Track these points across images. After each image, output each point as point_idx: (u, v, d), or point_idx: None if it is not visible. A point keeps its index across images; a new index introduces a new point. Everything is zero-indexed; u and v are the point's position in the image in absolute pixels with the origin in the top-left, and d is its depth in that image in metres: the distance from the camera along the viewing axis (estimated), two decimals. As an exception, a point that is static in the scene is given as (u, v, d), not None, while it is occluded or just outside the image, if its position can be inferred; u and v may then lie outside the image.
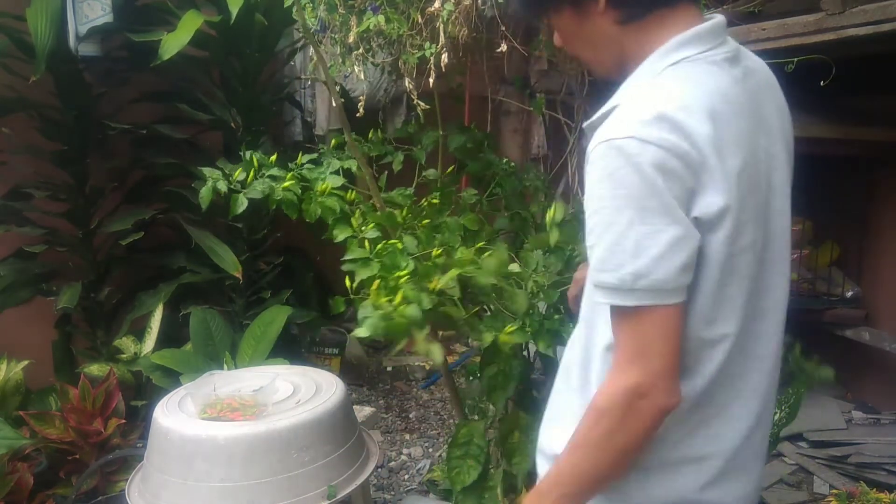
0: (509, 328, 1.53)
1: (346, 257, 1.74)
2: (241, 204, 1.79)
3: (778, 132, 0.97)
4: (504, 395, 1.77)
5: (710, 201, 0.83)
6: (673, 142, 0.81)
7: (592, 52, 0.98)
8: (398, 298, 1.48)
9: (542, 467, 1.04)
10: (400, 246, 1.67)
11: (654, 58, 0.91)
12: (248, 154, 1.87)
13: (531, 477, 1.82)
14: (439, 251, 1.67)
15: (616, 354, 0.87)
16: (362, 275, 1.70)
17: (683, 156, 0.81)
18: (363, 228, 1.78)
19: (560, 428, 0.97)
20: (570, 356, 1.03)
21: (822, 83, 1.79)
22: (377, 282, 1.58)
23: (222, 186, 1.79)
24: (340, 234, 1.79)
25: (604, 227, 0.83)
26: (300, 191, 1.80)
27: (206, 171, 1.83)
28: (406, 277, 1.54)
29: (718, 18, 0.94)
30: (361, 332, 1.45)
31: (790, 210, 0.98)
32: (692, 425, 0.93)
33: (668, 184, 0.81)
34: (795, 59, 1.75)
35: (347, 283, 1.67)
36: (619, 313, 0.86)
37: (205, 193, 1.79)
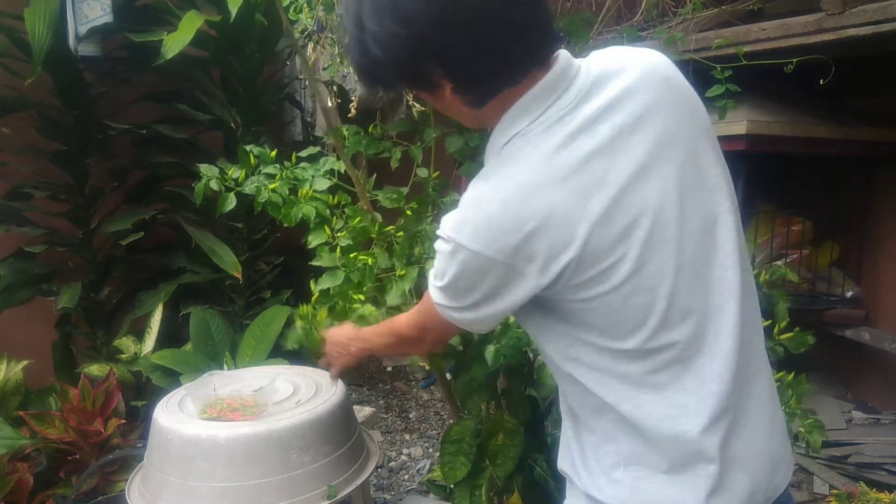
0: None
1: (314, 262, 1.76)
2: (230, 203, 1.80)
3: (668, 134, 0.92)
4: (479, 400, 1.80)
5: (533, 284, 0.91)
6: (481, 246, 0.89)
7: (458, 119, 1.04)
8: (321, 314, 1.65)
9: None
10: (371, 262, 1.69)
11: (494, 136, 0.96)
12: (248, 149, 1.87)
13: (511, 479, 1.85)
14: (402, 271, 1.70)
15: (413, 312, 1.16)
16: (325, 283, 1.72)
17: (496, 255, 0.89)
18: (338, 235, 1.78)
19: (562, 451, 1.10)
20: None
21: (822, 83, 1.79)
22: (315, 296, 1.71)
23: (215, 185, 1.79)
24: (314, 241, 1.79)
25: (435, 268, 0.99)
26: (287, 192, 1.80)
27: (203, 167, 1.83)
28: (361, 302, 1.63)
29: (556, 67, 0.92)
30: (289, 342, 1.68)
31: (722, 202, 0.95)
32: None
33: (478, 279, 0.92)
34: (795, 59, 1.75)
35: (312, 286, 1.72)
36: (427, 297, 1.05)
37: (199, 190, 1.81)
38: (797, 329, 1.79)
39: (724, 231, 0.94)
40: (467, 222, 0.91)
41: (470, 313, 0.97)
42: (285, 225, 1.80)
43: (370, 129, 2.00)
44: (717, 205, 0.94)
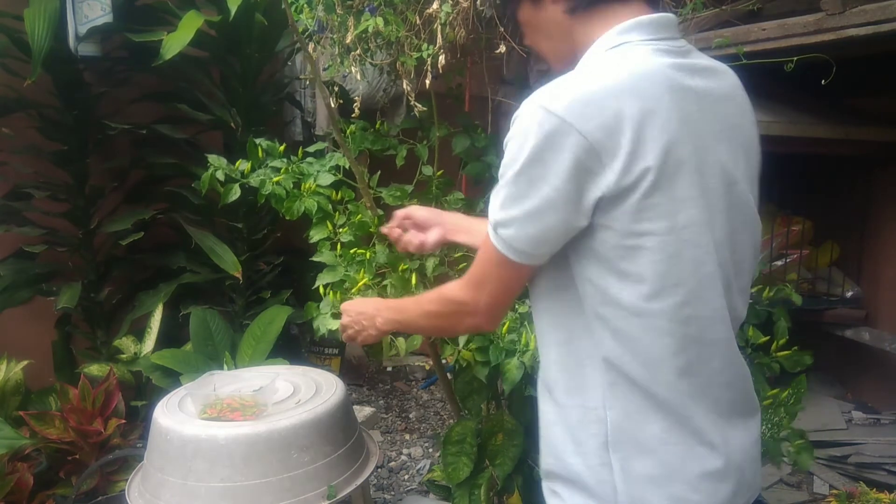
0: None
1: (315, 258, 1.77)
2: (234, 193, 1.80)
3: (730, 138, 0.96)
4: (479, 400, 1.81)
5: (610, 178, 0.86)
6: (574, 118, 0.84)
7: (548, 43, 1.04)
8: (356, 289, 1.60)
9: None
10: (368, 255, 1.70)
11: (596, 46, 0.95)
12: (256, 142, 1.87)
13: (511, 479, 1.85)
14: (405, 265, 1.70)
15: (468, 272, 1.04)
16: (326, 279, 1.73)
17: (586, 134, 0.84)
18: (339, 231, 1.79)
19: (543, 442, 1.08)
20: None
21: (822, 83, 1.79)
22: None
23: (220, 176, 1.80)
24: (316, 236, 1.80)
25: (502, 172, 0.93)
26: (291, 186, 1.81)
27: (212, 158, 1.84)
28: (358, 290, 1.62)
29: (667, 15, 0.95)
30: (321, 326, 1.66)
31: (748, 208, 1.00)
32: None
33: (557, 157, 0.86)
34: (795, 59, 1.75)
35: (321, 288, 1.72)
36: (483, 244, 0.99)
37: (205, 179, 1.81)
38: (795, 348, 1.78)
39: (749, 250, 1.01)
40: (563, 95, 0.86)
41: (531, 225, 0.90)
42: (287, 218, 1.80)
43: (377, 126, 2.00)
44: (748, 233, 1.01)
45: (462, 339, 1.63)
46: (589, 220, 0.88)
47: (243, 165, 1.84)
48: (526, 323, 1.58)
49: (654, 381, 0.92)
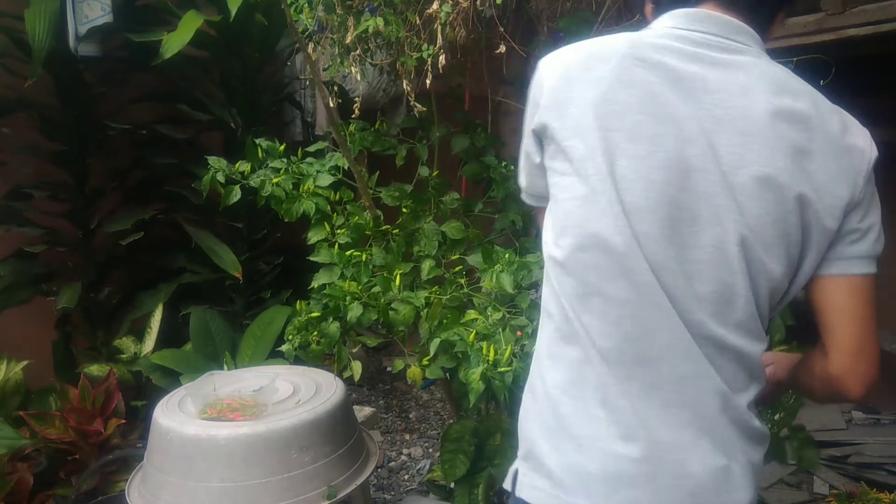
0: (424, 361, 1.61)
1: (312, 258, 1.77)
2: (235, 195, 1.80)
3: (727, 130, 0.88)
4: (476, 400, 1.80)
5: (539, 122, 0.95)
6: (543, 63, 0.97)
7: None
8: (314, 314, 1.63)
9: None
10: (365, 258, 1.70)
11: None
12: (256, 142, 1.87)
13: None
14: (400, 269, 1.70)
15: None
16: (322, 279, 1.73)
17: (540, 75, 0.96)
18: (337, 232, 1.79)
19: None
20: None
21: (821, 83, 1.79)
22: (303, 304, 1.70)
23: (221, 177, 1.80)
24: (314, 237, 1.80)
25: None
26: (291, 187, 1.81)
27: (212, 159, 1.84)
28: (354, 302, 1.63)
29: (706, 11, 0.93)
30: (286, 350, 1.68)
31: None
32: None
33: (531, 107, 0.97)
34: (795, 59, 1.75)
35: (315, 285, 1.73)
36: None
37: (206, 181, 1.81)
38: (794, 342, 1.77)
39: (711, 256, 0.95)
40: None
41: (521, 156, 1.02)
42: (286, 220, 1.80)
43: (377, 126, 2.00)
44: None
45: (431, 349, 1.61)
46: (539, 156, 0.96)
47: (243, 166, 1.84)
48: (500, 331, 1.53)
49: (565, 320, 0.93)
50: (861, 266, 0.91)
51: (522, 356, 1.46)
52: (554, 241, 0.93)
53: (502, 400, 1.47)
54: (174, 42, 2.43)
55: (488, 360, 1.44)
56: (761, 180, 0.86)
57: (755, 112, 0.87)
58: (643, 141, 0.87)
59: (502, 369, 1.43)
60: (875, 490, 2.26)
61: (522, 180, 1.03)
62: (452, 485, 1.90)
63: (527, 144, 0.98)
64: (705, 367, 0.88)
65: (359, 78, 1.83)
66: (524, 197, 1.05)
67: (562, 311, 0.93)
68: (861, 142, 0.90)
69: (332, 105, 1.92)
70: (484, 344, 1.47)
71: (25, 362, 2.52)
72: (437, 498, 2.36)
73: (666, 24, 0.94)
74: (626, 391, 0.88)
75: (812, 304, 0.94)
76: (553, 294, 0.95)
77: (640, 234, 0.86)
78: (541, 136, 0.94)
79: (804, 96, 0.90)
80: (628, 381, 0.88)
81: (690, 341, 0.87)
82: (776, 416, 1.75)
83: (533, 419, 0.97)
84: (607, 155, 0.87)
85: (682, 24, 0.93)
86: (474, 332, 1.51)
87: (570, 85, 0.91)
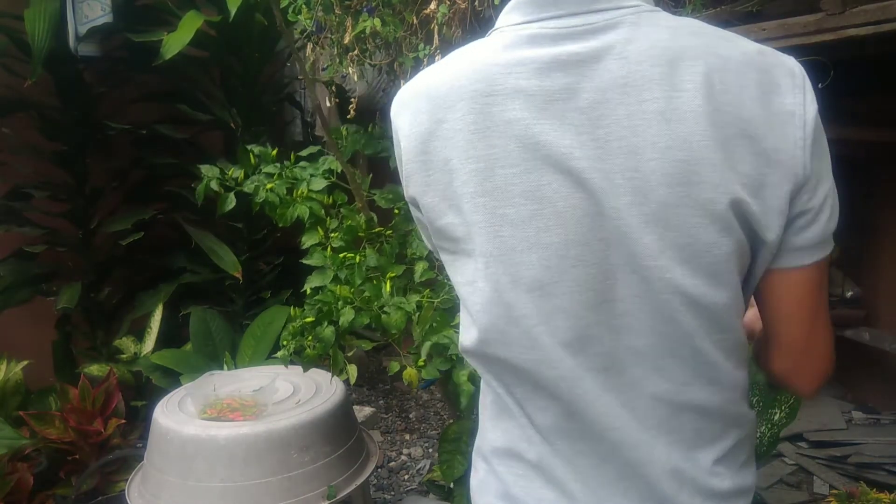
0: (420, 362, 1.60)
1: (305, 261, 1.77)
2: (230, 203, 1.81)
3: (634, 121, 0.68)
4: (472, 401, 1.81)
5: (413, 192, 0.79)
6: (394, 127, 0.80)
7: None
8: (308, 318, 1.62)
9: None
10: (358, 259, 1.70)
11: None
12: (249, 148, 1.88)
13: None
14: (393, 273, 1.69)
15: None
16: (315, 282, 1.73)
17: (397, 142, 0.80)
18: (331, 235, 1.79)
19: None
20: None
21: (820, 86, 1.79)
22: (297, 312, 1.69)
23: (215, 185, 1.81)
24: (308, 241, 1.80)
25: None
26: (285, 192, 1.81)
27: (204, 168, 1.84)
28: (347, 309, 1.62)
29: None
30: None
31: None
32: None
33: (399, 155, 0.80)
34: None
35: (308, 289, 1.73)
36: None
37: (200, 190, 1.82)
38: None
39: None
40: (405, 88, 0.81)
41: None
42: (280, 225, 1.81)
43: (369, 129, 2.00)
44: None
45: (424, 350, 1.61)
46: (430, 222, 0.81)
47: (237, 173, 1.84)
48: None
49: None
50: (812, 254, 0.73)
51: None
52: (463, 327, 0.79)
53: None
54: (174, 42, 2.43)
55: None
56: (676, 204, 0.67)
57: (646, 115, 0.67)
58: (522, 199, 0.70)
59: None
60: (875, 490, 2.25)
61: (428, 245, 0.87)
62: (452, 485, 1.91)
63: (413, 210, 0.83)
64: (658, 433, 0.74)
65: (356, 78, 1.83)
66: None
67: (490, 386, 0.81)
68: (790, 100, 0.70)
69: (328, 105, 1.92)
70: None
71: (25, 362, 2.52)
72: (437, 498, 2.36)
73: (511, 22, 0.74)
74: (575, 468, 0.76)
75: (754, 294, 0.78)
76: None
77: (545, 313, 0.71)
78: (418, 206, 0.79)
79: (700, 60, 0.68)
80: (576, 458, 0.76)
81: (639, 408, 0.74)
82: (776, 417, 1.76)
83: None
84: (488, 227, 0.71)
85: (530, 15, 0.72)
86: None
87: (424, 146, 0.74)
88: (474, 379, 1.46)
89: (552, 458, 0.76)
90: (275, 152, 1.90)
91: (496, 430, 0.81)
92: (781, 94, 0.69)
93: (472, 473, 0.88)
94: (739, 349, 0.75)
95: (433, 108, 0.74)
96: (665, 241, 0.68)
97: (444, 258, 0.79)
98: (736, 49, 0.70)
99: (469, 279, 0.74)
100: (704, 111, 0.67)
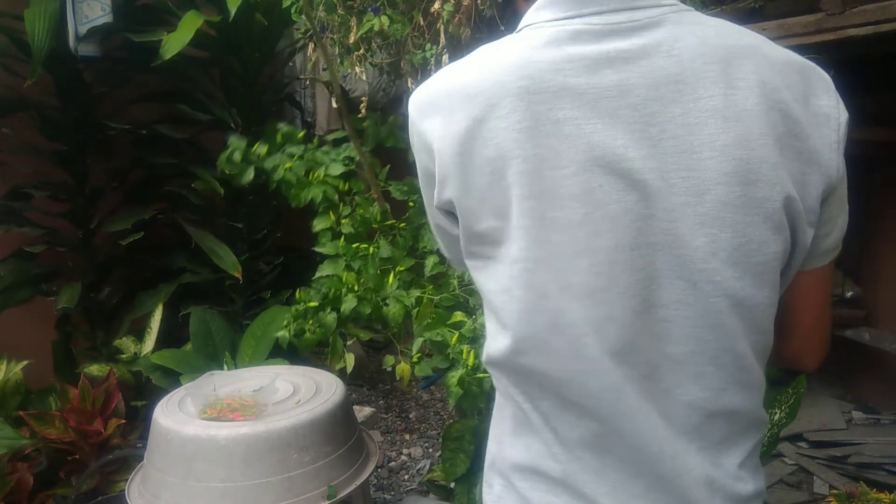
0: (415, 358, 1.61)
1: (316, 248, 1.78)
2: (249, 175, 1.82)
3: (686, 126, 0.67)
4: (473, 401, 1.81)
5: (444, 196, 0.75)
6: (420, 130, 0.76)
7: None
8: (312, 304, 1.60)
9: None
10: (372, 251, 1.70)
11: (523, 19, 0.77)
12: (277, 126, 1.89)
13: None
14: (402, 266, 1.70)
15: None
16: (327, 270, 1.73)
17: (425, 146, 0.75)
18: (342, 222, 1.80)
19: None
20: None
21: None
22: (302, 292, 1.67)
23: (237, 157, 1.82)
24: (319, 225, 1.81)
25: None
26: (303, 173, 1.82)
27: (231, 139, 1.87)
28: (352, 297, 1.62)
29: None
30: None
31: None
32: None
33: (425, 161, 0.77)
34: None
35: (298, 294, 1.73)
36: None
37: (222, 158, 1.84)
38: None
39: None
40: (422, 88, 0.78)
41: (432, 225, 0.84)
42: (293, 205, 1.81)
43: (389, 121, 2.01)
44: None
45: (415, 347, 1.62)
46: (456, 228, 0.76)
47: (261, 148, 1.86)
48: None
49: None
50: (830, 256, 0.77)
51: None
52: (491, 336, 0.76)
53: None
54: (174, 42, 2.43)
55: (467, 365, 1.44)
56: (733, 204, 0.67)
57: (702, 113, 0.67)
58: (573, 202, 0.67)
59: (481, 375, 1.43)
60: (875, 490, 2.25)
61: (445, 252, 0.85)
62: (453, 485, 1.91)
63: (435, 217, 0.79)
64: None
65: (363, 78, 1.83)
66: (455, 266, 0.87)
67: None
68: (825, 103, 0.71)
69: (336, 106, 1.92)
70: (465, 348, 1.47)
71: (25, 362, 2.52)
72: (437, 498, 2.36)
73: (546, 19, 0.71)
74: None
75: None
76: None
77: (596, 321, 0.68)
78: (451, 211, 0.75)
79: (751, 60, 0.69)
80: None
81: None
82: (776, 417, 1.76)
83: None
84: (535, 231, 0.68)
85: (569, 10, 0.70)
86: (457, 334, 1.51)
87: (463, 146, 0.70)
88: (463, 382, 1.46)
89: (580, 473, 0.73)
90: (301, 134, 1.91)
91: (516, 445, 0.78)
92: (819, 96, 0.71)
93: (485, 489, 0.85)
94: (767, 351, 0.75)
95: (472, 106, 0.70)
96: (718, 242, 0.67)
97: (474, 264, 0.76)
98: (776, 50, 0.71)
99: (504, 286, 0.71)
100: (760, 109, 0.67)
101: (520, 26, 0.75)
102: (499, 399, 0.82)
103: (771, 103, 0.67)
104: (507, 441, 0.80)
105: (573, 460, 0.73)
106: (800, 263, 0.74)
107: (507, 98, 0.68)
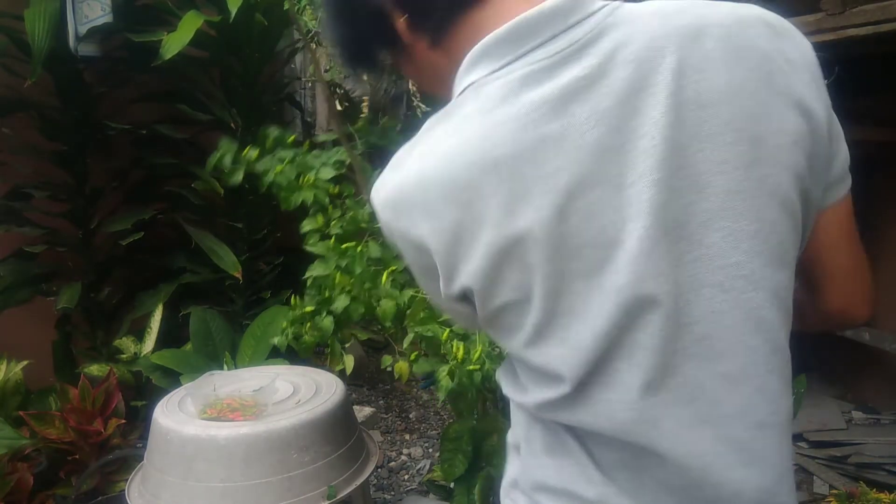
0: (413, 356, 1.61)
1: (305, 246, 1.78)
2: (238, 176, 1.84)
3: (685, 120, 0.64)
4: (470, 401, 1.82)
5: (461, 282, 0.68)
6: (400, 230, 0.69)
7: (435, 85, 0.80)
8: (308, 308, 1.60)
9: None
10: (360, 249, 1.70)
11: (456, 81, 0.71)
12: (267, 131, 1.90)
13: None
14: (393, 267, 1.70)
15: None
16: (317, 270, 1.73)
17: (414, 245, 0.69)
18: (331, 223, 1.80)
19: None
20: None
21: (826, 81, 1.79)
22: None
23: (227, 161, 1.83)
24: (307, 226, 1.82)
25: None
26: (294, 176, 1.83)
27: (222, 141, 1.88)
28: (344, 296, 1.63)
29: (537, 9, 0.65)
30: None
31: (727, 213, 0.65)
32: None
33: (420, 259, 0.71)
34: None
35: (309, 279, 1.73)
36: None
37: (212, 159, 1.85)
38: None
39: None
40: (383, 185, 0.71)
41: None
42: (283, 208, 1.82)
43: (382, 123, 2.02)
44: None
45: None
46: (475, 311, 0.72)
47: (251, 152, 1.87)
48: (477, 332, 1.52)
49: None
50: (842, 186, 0.72)
51: (494, 358, 1.47)
52: (535, 389, 0.72)
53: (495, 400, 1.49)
54: (174, 42, 2.43)
55: (456, 358, 1.45)
56: (738, 190, 0.64)
57: (680, 108, 0.63)
58: (590, 249, 0.64)
59: (470, 367, 1.43)
60: (875, 490, 2.25)
61: (462, 323, 0.84)
62: (452, 485, 1.91)
63: (450, 308, 0.75)
64: None
65: (365, 77, 1.84)
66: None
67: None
68: (789, 46, 0.70)
69: (338, 108, 1.93)
70: (454, 343, 1.48)
71: (25, 362, 2.52)
72: (437, 498, 2.36)
73: (484, 74, 0.66)
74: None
75: None
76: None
77: (626, 353, 0.65)
78: (468, 297, 0.70)
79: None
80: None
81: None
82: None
83: None
84: (555, 291, 0.65)
85: (507, 56, 0.66)
86: (448, 330, 1.52)
87: (456, 237, 0.65)
88: (454, 375, 1.47)
89: (616, 497, 0.69)
90: (292, 138, 1.92)
91: (547, 466, 0.74)
92: (783, 40, 0.69)
93: None
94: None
95: (454, 197, 0.64)
96: (735, 235, 0.63)
97: (492, 332, 0.73)
98: (722, 14, 0.66)
99: (526, 339, 0.68)
100: (736, 81, 0.64)
101: (456, 91, 0.70)
102: (522, 417, 0.78)
103: (743, 73, 0.64)
104: (534, 462, 0.75)
105: (609, 483, 0.69)
106: (811, 222, 0.71)
107: (485, 176, 0.63)
